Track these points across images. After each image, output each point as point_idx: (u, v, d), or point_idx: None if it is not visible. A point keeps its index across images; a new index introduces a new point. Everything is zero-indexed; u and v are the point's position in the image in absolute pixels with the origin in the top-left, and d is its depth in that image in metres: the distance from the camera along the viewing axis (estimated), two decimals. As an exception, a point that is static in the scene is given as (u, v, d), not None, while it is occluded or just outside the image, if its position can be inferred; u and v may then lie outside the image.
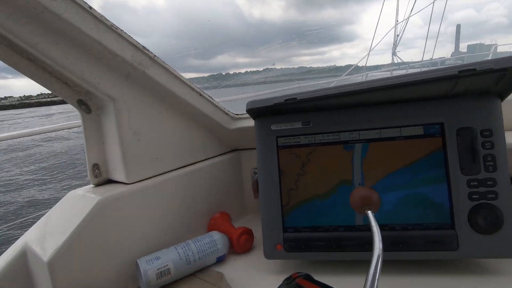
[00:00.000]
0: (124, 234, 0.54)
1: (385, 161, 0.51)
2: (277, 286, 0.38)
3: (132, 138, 0.57)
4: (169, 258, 0.53)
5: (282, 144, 0.55)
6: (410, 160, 0.50)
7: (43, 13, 0.42)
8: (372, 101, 0.51)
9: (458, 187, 0.48)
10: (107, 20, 0.47)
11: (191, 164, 0.69)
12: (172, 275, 0.53)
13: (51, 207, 0.58)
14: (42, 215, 0.58)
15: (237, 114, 0.77)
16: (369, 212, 0.39)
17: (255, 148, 0.80)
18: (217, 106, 0.71)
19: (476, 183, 0.47)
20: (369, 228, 0.51)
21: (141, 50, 0.53)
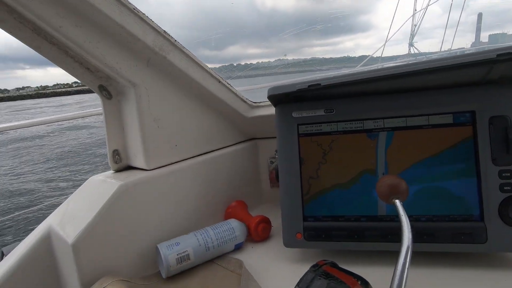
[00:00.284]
0: (144, 220, 0.55)
1: (410, 151, 0.49)
2: (298, 274, 0.37)
3: (152, 124, 0.57)
4: (189, 244, 0.53)
5: (303, 132, 0.54)
6: (437, 150, 0.48)
7: None
8: (398, 88, 0.49)
9: (488, 178, 0.46)
10: (130, 3, 0.47)
11: (209, 152, 0.69)
12: (192, 261, 0.53)
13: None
14: None
15: (255, 102, 0.76)
16: (397, 201, 0.38)
17: (272, 137, 0.80)
18: (235, 94, 0.70)
19: (508, 174, 0.45)
20: (392, 219, 0.50)
21: (162, 34, 0.52)
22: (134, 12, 0.48)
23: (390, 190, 0.39)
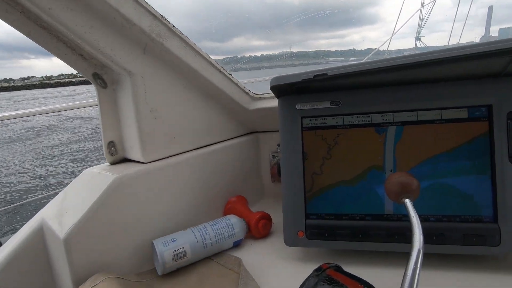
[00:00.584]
0: (140, 214, 0.53)
1: (421, 147, 0.46)
2: (299, 274, 0.35)
3: (148, 115, 0.54)
4: (186, 241, 0.51)
5: (307, 125, 0.51)
6: (450, 146, 0.45)
7: None
8: (409, 80, 0.46)
9: (504, 177, 0.43)
10: (124, -16, 0.44)
11: (208, 145, 0.67)
12: (189, 258, 0.51)
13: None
14: None
15: (257, 94, 0.73)
16: (407, 201, 0.35)
17: (274, 131, 0.77)
18: (237, 85, 0.67)
19: None
20: (399, 218, 0.48)
21: (159, 19, 0.49)
22: None
23: (401, 189, 0.36)
